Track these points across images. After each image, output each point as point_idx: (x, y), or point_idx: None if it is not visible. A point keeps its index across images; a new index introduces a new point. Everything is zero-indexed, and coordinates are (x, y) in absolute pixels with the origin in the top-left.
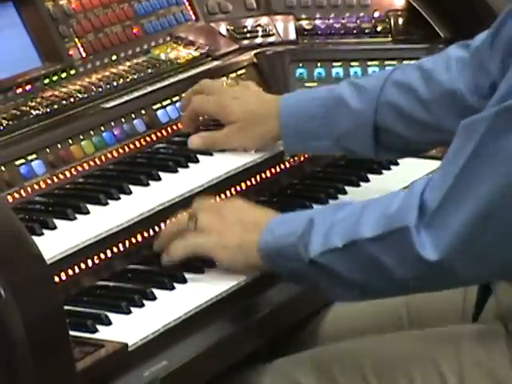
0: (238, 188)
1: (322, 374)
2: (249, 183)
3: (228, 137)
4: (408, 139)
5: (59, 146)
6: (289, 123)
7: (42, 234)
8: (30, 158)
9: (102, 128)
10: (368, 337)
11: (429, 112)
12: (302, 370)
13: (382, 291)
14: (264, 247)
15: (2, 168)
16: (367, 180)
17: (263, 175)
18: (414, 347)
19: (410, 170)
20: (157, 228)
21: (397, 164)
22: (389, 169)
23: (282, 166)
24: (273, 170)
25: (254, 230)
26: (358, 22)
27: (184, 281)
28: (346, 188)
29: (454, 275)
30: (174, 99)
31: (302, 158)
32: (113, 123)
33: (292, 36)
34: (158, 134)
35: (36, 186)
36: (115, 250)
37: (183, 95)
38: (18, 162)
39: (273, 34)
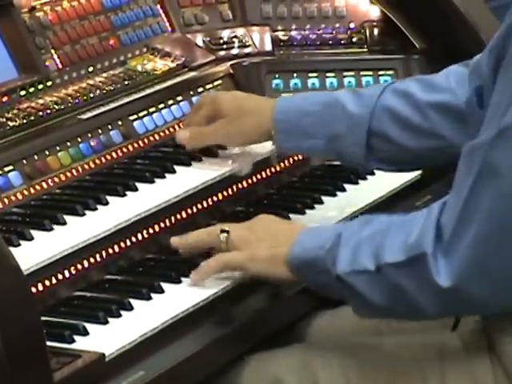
0: (215, 198)
1: (304, 370)
2: (226, 193)
3: (216, 130)
4: (401, 146)
5: (36, 157)
6: (283, 118)
7: (19, 244)
8: (6, 169)
9: (79, 139)
10: (353, 339)
11: (425, 117)
12: (282, 364)
13: (403, 316)
14: (293, 259)
15: None
16: (344, 190)
17: (240, 185)
18: (399, 355)
19: (386, 180)
20: (134, 238)
21: (373, 174)
22: (365, 178)
23: (259, 176)
24: (249, 181)
25: (283, 243)
26: (334, 32)
27: (161, 291)
28: (323, 198)
29: (470, 301)
30: (151, 110)
31: (278, 168)
32: (89, 134)
33: (268, 47)
34: (135, 145)
35: (13, 198)
36: (92, 260)
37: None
38: None
39: (249, 45)
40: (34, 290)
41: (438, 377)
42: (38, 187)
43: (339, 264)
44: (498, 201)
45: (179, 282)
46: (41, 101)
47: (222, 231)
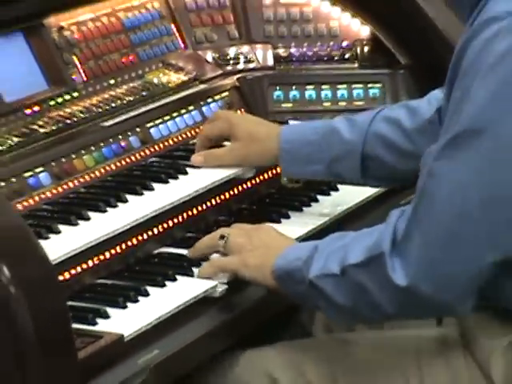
0: (223, 197)
1: (293, 366)
2: (232, 193)
3: (231, 152)
4: (392, 168)
5: (63, 159)
6: (287, 148)
7: (47, 237)
8: (37, 170)
9: (102, 144)
10: (340, 334)
11: (411, 142)
12: (272, 360)
13: (367, 317)
14: (277, 270)
15: (13, 179)
16: (336, 189)
17: (244, 185)
18: (383, 351)
19: (355, 191)
20: (150, 232)
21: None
22: (337, 190)
23: (262, 178)
24: (253, 181)
25: (272, 255)
26: (329, 50)
27: (174, 279)
28: (318, 197)
29: (424, 300)
30: (166, 118)
31: (278, 171)
32: (111, 140)
33: (270, 62)
34: (152, 149)
35: (43, 196)
36: (113, 251)
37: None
38: (26, 174)
39: (253, 61)
40: (60, 278)
41: (416, 371)
42: (65, 186)
43: (312, 270)
44: (443, 205)
45: (191, 271)
46: (68, 110)
47: (222, 237)
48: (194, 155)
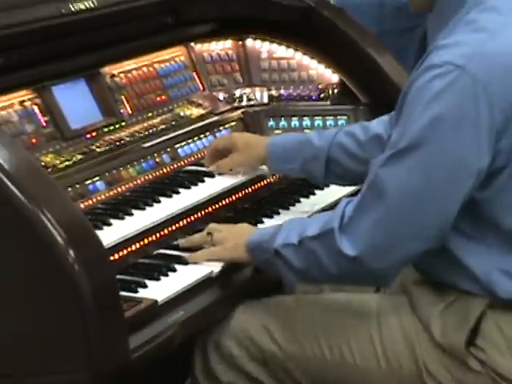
0: (230, 199)
1: (279, 317)
2: (237, 196)
3: (234, 158)
4: (348, 169)
5: (114, 171)
6: (272, 150)
7: (102, 228)
8: (95, 179)
9: (142, 160)
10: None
11: (364, 151)
12: (264, 314)
13: (317, 279)
14: (249, 243)
15: (77, 186)
16: (314, 194)
17: (247, 190)
18: (350, 307)
19: (328, 195)
20: (177, 225)
21: (322, 189)
22: (328, 186)
23: (259, 185)
24: (253, 187)
25: (246, 236)
26: (308, 91)
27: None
28: (301, 199)
29: (364, 268)
30: (189, 141)
31: (271, 180)
32: (149, 157)
33: (265, 100)
34: (178, 164)
35: (98, 198)
36: (150, 239)
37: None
38: (87, 182)
39: (253, 99)
40: (111, 258)
41: (377, 327)
42: (115, 191)
43: (276, 241)
44: (386, 199)
45: None
46: (117, 135)
47: (208, 233)
48: (212, 165)
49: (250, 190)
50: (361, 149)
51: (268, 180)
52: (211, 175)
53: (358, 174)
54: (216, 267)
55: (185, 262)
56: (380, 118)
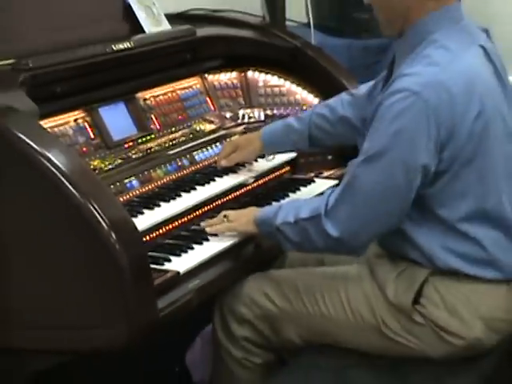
0: (235, 194)
1: (275, 285)
2: (241, 191)
3: (239, 154)
4: (325, 141)
5: (146, 172)
6: (265, 141)
7: (136, 216)
8: (131, 178)
9: (167, 164)
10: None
11: (334, 127)
12: (264, 283)
13: (307, 250)
14: (257, 220)
15: (118, 184)
16: (289, 196)
17: (247, 188)
18: (328, 277)
19: (313, 190)
20: (194, 214)
21: (305, 186)
22: (314, 181)
23: (255, 184)
24: (251, 186)
25: (254, 214)
26: (294, 112)
27: (207, 240)
28: (290, 194)
29: (343, 244)
30: (203, 149)
31: (267, 179)
32: (172, 161)
33: (262, 118)
34: (195, 167)
35: (134, 193)
36: (174, 224)
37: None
38: (125, 181)
39: (252, 117)
40: (144, 239)
41: (345, 291)
42: (146, 188)
43: (277, 219)
44: (360, 193)
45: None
46: (149, 145)
47: (224, 216)
48: (222, 161)
49: (249, 187)
50: (331, 126)
51: (263, 180)
52: (220, 175)
53: (331, 142)
54: (226, 243)
55: (200, 242)
56: (340, 97)
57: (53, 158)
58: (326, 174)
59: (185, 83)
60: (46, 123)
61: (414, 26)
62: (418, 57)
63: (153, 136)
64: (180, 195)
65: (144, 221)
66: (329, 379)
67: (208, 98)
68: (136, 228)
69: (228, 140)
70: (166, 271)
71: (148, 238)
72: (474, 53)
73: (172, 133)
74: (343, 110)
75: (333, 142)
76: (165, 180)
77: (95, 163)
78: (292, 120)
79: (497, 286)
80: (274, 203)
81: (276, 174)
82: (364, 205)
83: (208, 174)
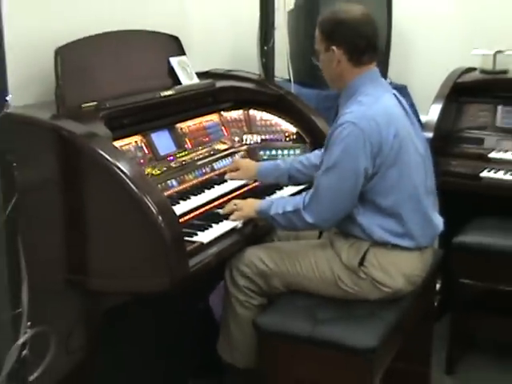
0: (239, 191)
1: (268, 252)
2: (243, 189)
3: (238, 175)
4: (299, 180)
5: (182, 176)
6: (260, 173)
7: (175, 205)
8: (172, 180)
9: (196, 170)
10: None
11: (308, 170)
12: (260, 251)
13: (292, 230)
14: (257, 210)
15: (163, 184)
16: (275, 193)
17: (248, 187)
18: (303, 247)
19: (286, 192)
20: (214, 204)
21: (281, 189)
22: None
23: (250, 187)
24: (248, 187)
25: (256, 204)
26: (280, 137)
27: (222, 221)
28: (277, 191)
29: (322, 226)
30: (220, 161)
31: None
32: (199, 169)
33: (259, 141)
34: (214, 173)
35: (174, 190)
36: (200, 210)
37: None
38: (168, 182)
39: (253, 140)
40: (180, 220)
41: (313, 256)
42: (181, 187)
43: (271, 211)
44: (323, 194)
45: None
46: (183, 158)
47: (235, 204)
48: (227, 174)
49: (248, 187)
50: (306, 169)
51: (257, 183)
52: (227, 181)
53: (304, 181)
54: (234, 223)
55: (217, 222)
56: (315, 152)
57: (121, 167)
58: None
59: (208, 117)
60: (117, 144)
61: (348, 84)
62: (353, 102)
63: (186, 152)
64: (204, 191)
65: (180, 208)
66: (301, 313)
67: (223, 127)
68: (175, 213)
69: (236, 157)
70: (194, 242)
71: (183, 219)
72: (388, 97)
73: (199, 150)
74: (315, 159)
75: (305, 181)
76: (194, 181)
77: (148, 170)
78: (280, 162)
79: (413, 252)
80: (266, 197)
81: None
82: (328, 201)
83: (222, 177)
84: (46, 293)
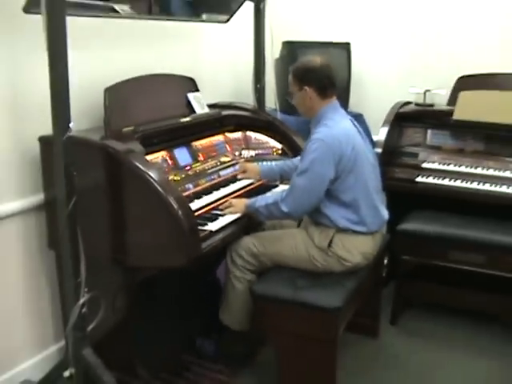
0: (245, 189)
1: (259, 239)
2: (249, 188)
3: (246, 175)
4: (287, 176)
5: (196, 181)
6: (262, 173)
7: (191, 202)
8: (189, 184)
9: (207, 177)
10: (270, 232)
11: (292, 170)
12: (253, 239)
13: (272, 219)
14: (246, 206)
15: (182, 187)
16: (270, 190)
17: (252, 186)
18: (285, 234)
19: (277, 189)
20: (220, 201)
21: (276, 186)
22: (276, 186)
23: (253, 186)
24: (252, 186)
25: (244, 202)
26: (269, 151)
27: (224, 215)
28: (272, 189)
29: (294, 215)
30: (226, 169)
31: (253, 186)
32: (210, 175)
33: (253, 155)
34: (221, 179)
35: (191, 191)
36: (210, 207)
37: (238, 169)
38: (186, 185)
39: (249, 154)
40: (195, 214)
41: (294, 238)
42: (196, 189)
43: (256, 204)
44: (298, 191)
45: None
46: (197, 168)
47: (230, 202)
48: (240, 175)
49: (252, 186)
50: (291, 171)
51: (254, 185)
52: (233, 183)
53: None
54: (234, 216)
55: (223, 215)
56: (297, 158)
57: (151, 174)
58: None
59: (215, 137)
60: (148, 157)
61: (316, 113)
62: (320, 125)
63: (199, 163)
64: (212, 192)
65: (195, 205)
66: (285, 282)
67: (227, 145)
68: (191, 208)
69: (241, 162)
70: (205, 230)
71: (197, 213)
72: (346, 122)
73: (209, 161)
74: (297, 163)
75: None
76: (205, 185)
77: (171, 177)
78: (274, 164)
79: (367, 236)
80: (258, 196)
81: (261, 182)
82: (300, 196)
83: (226, 182)
84: (97, 267)
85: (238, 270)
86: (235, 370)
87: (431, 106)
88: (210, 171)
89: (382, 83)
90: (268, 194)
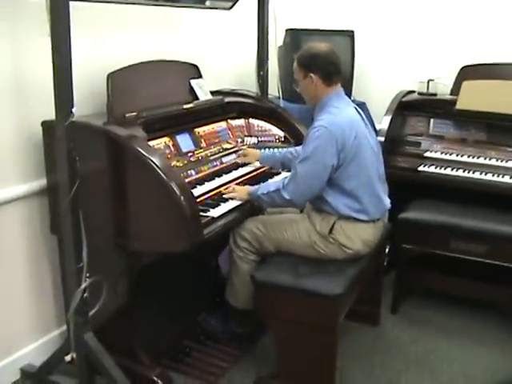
0: (247, 176)
1: (261, 222)
2: (251, 175)
3: (246, 158)
4: (289, 166)
5: (198, 167)
6: (263, 159)
7: (194, 189)
8: (191, 170)
9: (209, 163)
10: (272, 216)
11: (294, 157)
12: (254, 222)
13: (274, 206)
14: (249, 192)
15: (184, 173)
16: (272, 177)
17: (254, 173)
18: (288, 220)
19: (278, 177)
20: (223, 188)
21: (278, 174)
22: (278, 174)
23: (255, 173)
24: (254, 173)
25: (247, 189)
26: (273, 138)
27: (227, 201)
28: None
29: (296, 203)
30: (228, 156)
31: (257, 172)
32: (212, 162)
33: (256, 142)
34: (224, 165)
35: (193, 177)
36: (212, 193)
37: (239, 153)
38: (188, 172)
39: (251, 141)
40: (197, 200)
41: (296, 224)
42: (198, 175)
43: (258, 192)
44: (300, 178)
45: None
46: (200, 154)
47: (233, 189)
48: (239, 159)
49: (254, 173)
50: (294, 158)
51: (257, 172)
52: (235, 169)
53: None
54: (237, 202)
55: (225, 201)
56: (300, 146)
57: (154, 160)
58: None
59: (218, 124)
60: (151, 143)
61: (320, 100)
62: (324, 112)
63: (202, 150)
64: (215, 179)
65: (197, 191)
66: (287, 268)
67: (229, 132)
68: (193, 194)
69: (243, 148)
70: (207, 216)
71: (199, 199)
72: (350, 109)
73: (211, 148)
74: (300, 152)
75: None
76: (207, 171)
77: (174, 163)
78: (277, 151)
79: (368, 224)
80: (261, 183)
81: (264, 169)
82: (302, 183)
83: (229, 168)
84: (100, 252)
85: (242, 251)
86: (236, 355)
87: (434, 95)
88: (212, 158)
89: (386, 72)
90: (270, 181)
